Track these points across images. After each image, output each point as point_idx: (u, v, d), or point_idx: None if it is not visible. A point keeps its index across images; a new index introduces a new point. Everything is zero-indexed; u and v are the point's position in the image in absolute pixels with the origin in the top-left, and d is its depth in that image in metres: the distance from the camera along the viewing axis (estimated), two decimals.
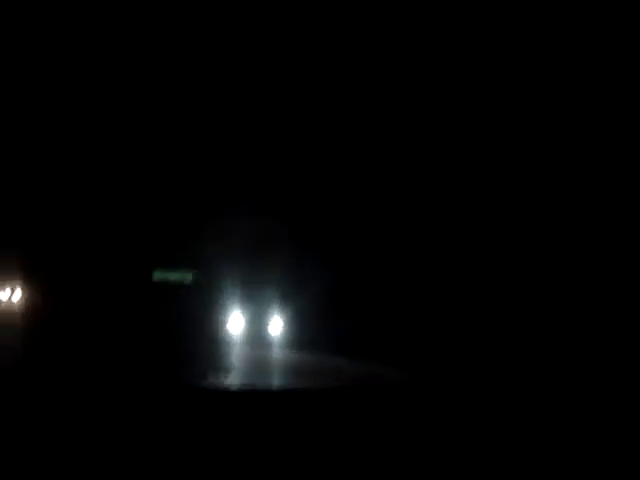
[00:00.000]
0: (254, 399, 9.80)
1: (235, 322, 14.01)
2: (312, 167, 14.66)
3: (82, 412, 8.05)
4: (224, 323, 13.39)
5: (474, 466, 6.80)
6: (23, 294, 12.77)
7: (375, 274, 14.42)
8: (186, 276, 12.79)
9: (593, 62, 13.42)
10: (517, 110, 13.91)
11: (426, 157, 14.46)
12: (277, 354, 13.37)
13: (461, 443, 7.36)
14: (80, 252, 12.66)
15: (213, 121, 14.06)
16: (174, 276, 12.74)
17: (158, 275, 12.75)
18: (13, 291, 12.92)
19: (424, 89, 14.31)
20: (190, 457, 7.00)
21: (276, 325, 14.21)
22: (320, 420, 8.49)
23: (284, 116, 14.33)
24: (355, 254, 14.54)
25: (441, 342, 12.80)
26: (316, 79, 14.46)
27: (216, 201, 13.67)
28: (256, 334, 14.05)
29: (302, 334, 13.91)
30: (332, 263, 14.20)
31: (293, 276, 14.04)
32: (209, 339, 12.40)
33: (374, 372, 11.51)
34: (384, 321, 13.76)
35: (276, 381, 11.68)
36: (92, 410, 8.22)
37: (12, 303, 13.14)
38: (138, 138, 13.59)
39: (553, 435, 7.54)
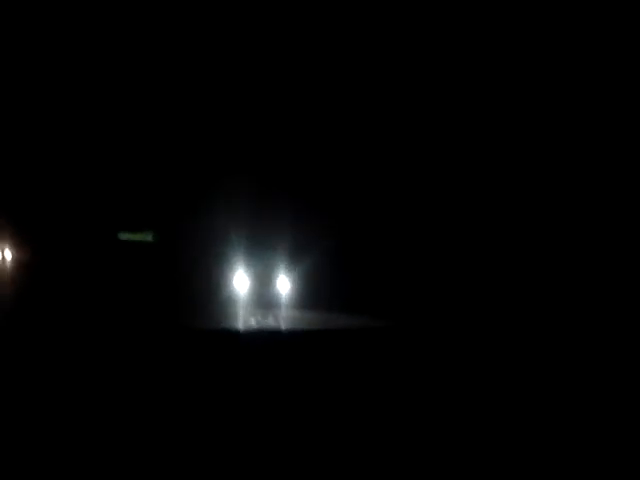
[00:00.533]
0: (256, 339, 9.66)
1: (239, 281, 13.71)
2: (314, 127, 14.44)
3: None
4: (219, 279, 13.33)
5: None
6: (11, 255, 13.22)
7: (382, 231, 14.19)
8: (146, 236, 12.98)
9: (593, 62, 13.40)
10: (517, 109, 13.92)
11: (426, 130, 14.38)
12: (283, 314, 13.07)
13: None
14: (60, 218, 13.23)
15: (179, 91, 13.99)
16: (136, 237, 13.06)
17: (123, 236, 13.18)
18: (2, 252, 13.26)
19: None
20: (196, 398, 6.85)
21: (283, 284, 13.88)
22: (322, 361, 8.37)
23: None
24: (361, 211, 14.31)
25: (450, 297, 12.67)
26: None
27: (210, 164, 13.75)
28: (262, 293, 13.73)
29: (310, 293, 13.61)
30: (338, 220, 13.99)
31: (299, 234, 13.79)
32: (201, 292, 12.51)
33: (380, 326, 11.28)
34: (393, 278, 13.54)
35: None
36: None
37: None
38: (107, 109, 13.75)
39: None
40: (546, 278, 12.89)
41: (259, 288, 13.72)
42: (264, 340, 9.77)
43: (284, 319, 12.63)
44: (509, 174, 13.93)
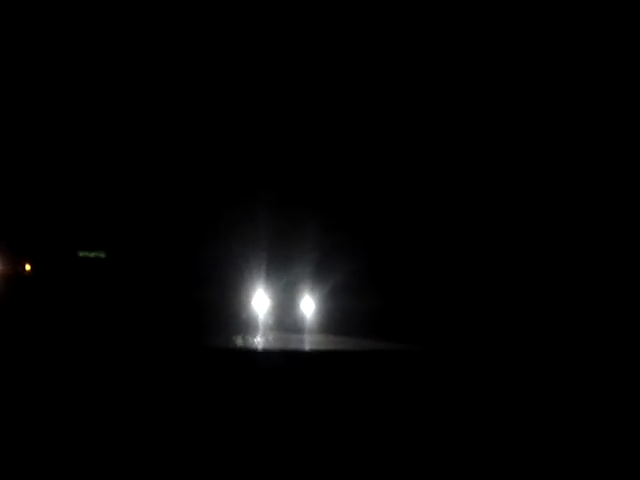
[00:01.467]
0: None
1: (259, 301, 12.78)
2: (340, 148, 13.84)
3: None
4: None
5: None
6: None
7: (406, 255, 13.42)
8: (100, 254, 14.01)
9: (593, 62, 12.82)
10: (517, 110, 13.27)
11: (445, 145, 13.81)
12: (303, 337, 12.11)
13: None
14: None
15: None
16: (92, 254, 14.06)
17: (82, 254, 14.08)
18: None
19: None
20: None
21: (306, 306, 12.90)
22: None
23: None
24: (385, 235, 13.57)
25: (471, 322, 11.90)
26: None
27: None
28: (284, 315, 12.75)
29: (336, 315, 12.63)
30: (363, 245, 13.22)
31: (323, 256, 12.94)
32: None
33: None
34: (416, 301, 12.71)
35: None
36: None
37: None
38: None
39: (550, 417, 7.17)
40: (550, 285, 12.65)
41: (280, 309, 12.78)
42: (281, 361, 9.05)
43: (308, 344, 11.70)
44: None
